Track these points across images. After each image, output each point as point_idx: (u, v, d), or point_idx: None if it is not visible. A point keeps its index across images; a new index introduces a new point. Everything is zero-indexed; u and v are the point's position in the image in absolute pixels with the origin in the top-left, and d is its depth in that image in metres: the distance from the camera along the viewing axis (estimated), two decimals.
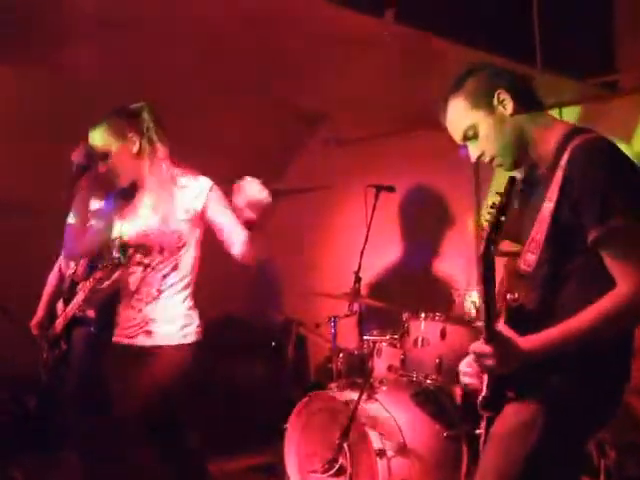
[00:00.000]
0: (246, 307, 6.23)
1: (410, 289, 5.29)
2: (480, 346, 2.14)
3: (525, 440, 2.20)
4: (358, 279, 4.74)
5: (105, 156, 3.24)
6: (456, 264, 5.53)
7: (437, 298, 5.15)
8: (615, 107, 4.53)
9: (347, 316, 4.59)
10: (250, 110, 5.37)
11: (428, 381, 3.91)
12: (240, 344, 5.72)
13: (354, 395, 3.86)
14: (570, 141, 2.22)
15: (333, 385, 4.21)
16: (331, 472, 3.72)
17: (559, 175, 2.17)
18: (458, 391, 4.15)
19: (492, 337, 2.11)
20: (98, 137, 3.26)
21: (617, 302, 2.10)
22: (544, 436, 2.20)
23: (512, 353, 2.12)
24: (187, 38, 3.84)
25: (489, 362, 2.13)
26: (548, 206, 2.17)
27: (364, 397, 3.84)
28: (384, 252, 5.64)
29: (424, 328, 3.97)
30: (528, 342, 2.13)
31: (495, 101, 2.31)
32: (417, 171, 5.61)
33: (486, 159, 2.37)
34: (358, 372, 4.46)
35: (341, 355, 4.49)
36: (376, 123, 5.66)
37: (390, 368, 4.24)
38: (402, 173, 5.50)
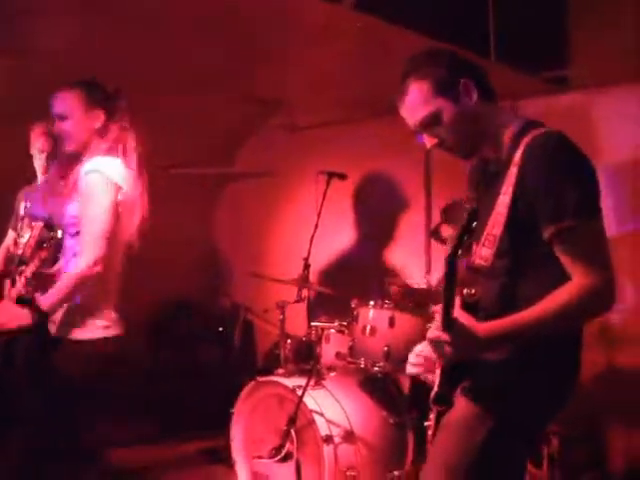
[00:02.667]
0: (194, 292, 6.19)
1: (359, 277, 5.30)
2: (436, 333, 2.14)
3: (477, 431, 2.23)
4: (307, 266, 4.74)
5: (63, 117, 3.16)
6: (407, 253, 5.57)
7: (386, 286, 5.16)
8: (565, 102, 4.58)
9: (296, 302, 4.58)
10: (205, 93, 5.32)
11: (376, 368, 3.92)
12: (188, 329, 5.67)
13: (302, 381, 3.86)
14: (523, 136, 2.23)
15: (280, 371, 4.20)
16: (277, 458, 3.72)
17: (513, 170, 2.18)
18: (405, 379, 4.20)
19: (449, 324, 2.10)
20: (61, 101, 3.19)
21: (574, 295, 2.12)
22: (496, 428, 2.22)
23: (469, 339, 2.12)
24: (144, 20, 3.78)
25: (446, 349, 2.13)
26: (504, 200, 2.18)
27: (312, 383, 3.85)
28: (334, 239, 5.64)
29: (373, 316, 3.97)
30: (485, 328, 2.14)
31: (460, 89, 2.29)
32: (370, 159, 5.60)
33: (443, 147, 2.35)
34: (306, 358, 4.47)
35: (289, 341, 4.47)
36: (330, 110, 5.64)
37: (338, 355, 4.24)
38: (355, 161, 5.49)
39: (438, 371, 2.31)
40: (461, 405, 2.28)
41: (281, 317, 4.47)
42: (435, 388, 2.31)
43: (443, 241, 4.40)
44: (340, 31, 4.12)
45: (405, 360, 3.80)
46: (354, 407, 3.87)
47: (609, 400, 4.26)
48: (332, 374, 4.11)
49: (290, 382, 3.88)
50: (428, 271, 5.38)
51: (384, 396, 4.01)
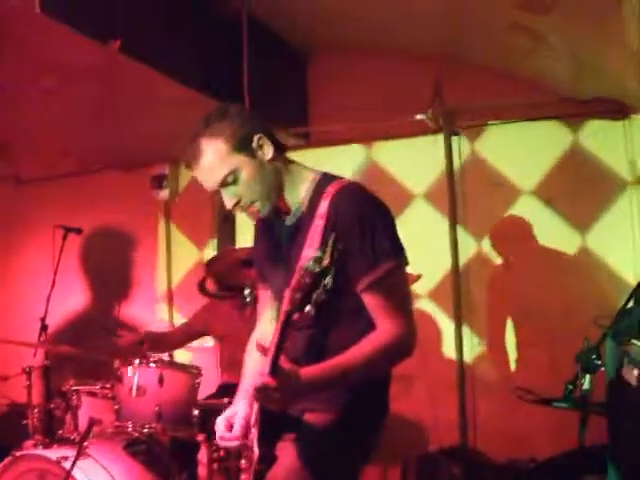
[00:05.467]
0: None
1: (99, 335, 5.01)
2: (264, 379, 2.06)
3: None
4: (45, 326, 4.41)
5: None
6: (142, 307, 5.42)
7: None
8: (307, 156, 4.77)
9: (43, 367, 4.21)
10: None
11: (144, 430, 3.70)
12: None
13: (63, 452, 3.53)
14: (324, 188, 2.26)
15: (30, 443, 3.81)
16: None
17: (320, 223, 2.19)
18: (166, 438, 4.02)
19: (276, 370, 2.05)
20: None
21: (387, 341, 2.18)
22: (321, 476, 2.23)
23: (293, 383, 2.09)
24: None
25: (274, 394, 2.06)
26: (308, 254, 2.11)
27: (75, 453, 3.52)
28: (70, 297, 5.31)
29: (140, 375, 3.74)
30: (305, 372, 2.13)
31: (255, 145, 2.25)
32: (103, 213, 5.40)
33: (244, 205, 2.28)
34: (49, 427, 4.09)
35: (36, 410, 4.06)
36: (61, 162, 5.36)
37: (91, 420, 3.94)
38: (87, 214, 5.24)
39: (254, 431, 2.24)
40: (285, 460, 2.23)
41: (28, 383, 4.05)
42: (256, 450, 2.21)
43: (209, 294, 4.35)
44: (89, 76, 3.93)
45: (179, 419, 3.73)
46: (123, 474, 3.59)
47: None
48: (85, 443, 3.79)
49: (53, 454, 3.53)
50: (171, 323, 5.29)
51: (151, 459, 3.78)
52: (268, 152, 2.26)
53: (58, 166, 5.38)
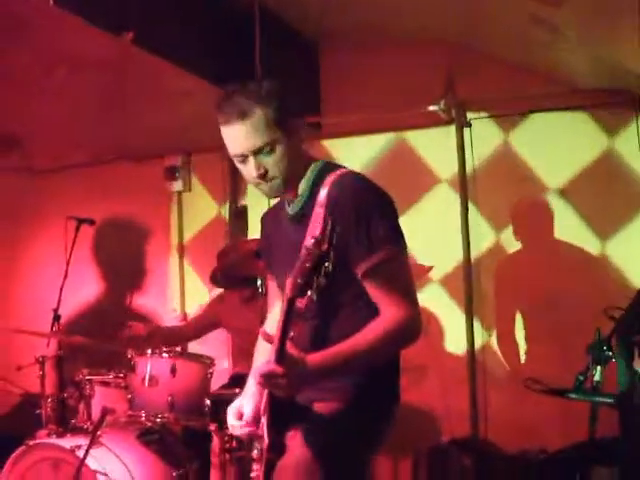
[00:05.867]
0: None
1: (112, 325, 5.04)
2: (270, 367, 2.08)
3: (316, 473, 2.22)
4: (57, 317, 4.44)
5: None
6: (155, 298, 5.44)
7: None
8: (319, 145, 4.79)
9: (56, 357, 4.23)
10: None
11: (157, 420, 3.73)
12: None
13: (77, 441, 3.58)
14: (323, 177, 2.29)
15: (44, 432, 3.84)
16: None
17: (319, 211, 2.20)
18: (178, 428, 4.05)
19: (282, 357, 2.07)
20: None
21: (392, 326, 2.19)
22: (332, 470, 2.24)
23: (300, 369, 2.10)
24: None
25: (280, 381, 2.08)
26: (311, 242, 2.11)
27: (88, 442, 3.55)
28: (83, 287, 5.34)
29: (152, 365, 3.77)
30: (311, 358, 2.14)
31: (292, 126, 2.28)
32: (116, 204, 5.41)
33: (268, 178, 2.28)
34: (62, 416, 4.13)
35: (49, 400, 4.09)
36: (73, 153, 5.36)
37: (104, 409, 3.98)
38: (100, 205, 5.25)
39: (264, 418, 2.25)
40: (296, 450, 2.25)
41: (41, 373, 4.08)
42: (266, 438, 2.22)
43: (220, 285, 4.37)
44: (103, 67, 3.94)
45: (191, 409, 3.76)
46: (136, 463, 3.65)
47: None
48: (99, 432, 3.83)
49: (66, 443, 3.57)
50: (184, 316, 5.31)
51: (164, 448, 3.83)
52: (301, 136, 2.32)
53: (70, 157, 5.39)
